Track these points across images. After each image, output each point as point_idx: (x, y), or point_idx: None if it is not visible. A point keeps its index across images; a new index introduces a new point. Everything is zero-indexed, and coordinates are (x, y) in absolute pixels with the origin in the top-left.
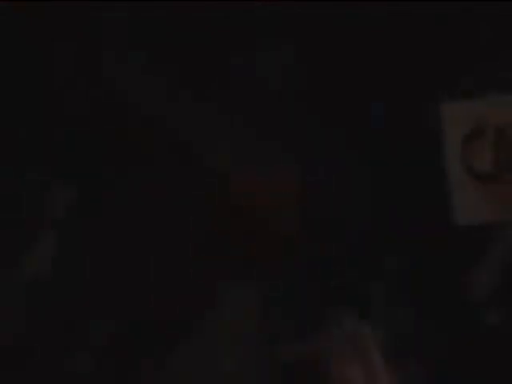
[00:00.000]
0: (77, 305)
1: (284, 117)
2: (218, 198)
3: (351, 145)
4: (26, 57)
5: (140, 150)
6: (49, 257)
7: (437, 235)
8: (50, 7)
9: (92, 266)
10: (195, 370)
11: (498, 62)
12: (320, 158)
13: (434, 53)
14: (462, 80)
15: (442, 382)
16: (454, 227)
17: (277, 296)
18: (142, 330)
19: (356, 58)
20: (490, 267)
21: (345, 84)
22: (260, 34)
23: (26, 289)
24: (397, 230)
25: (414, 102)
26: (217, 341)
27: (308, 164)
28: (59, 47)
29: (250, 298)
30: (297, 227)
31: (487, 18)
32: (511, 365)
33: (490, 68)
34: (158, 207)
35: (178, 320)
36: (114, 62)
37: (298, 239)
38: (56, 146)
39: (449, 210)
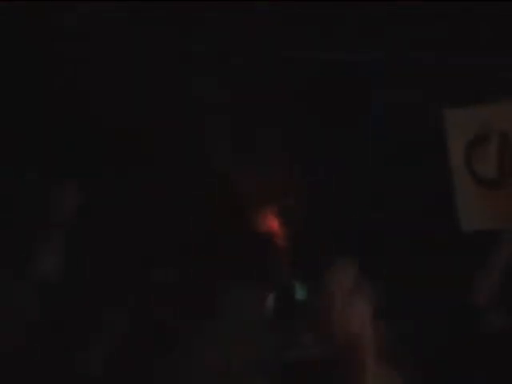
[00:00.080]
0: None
1: (284, 117)
2: (218, 198)
3: (355, 150)
4: (26, 57)
5: (140, 150)
6: (57, 258)
7: (441, 240)
8: (49, 7)
9: (93, 267)
10: (196, 370)
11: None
12: (320, 157)
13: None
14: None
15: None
16: (458, 233)
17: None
18: (144, 330)
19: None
20: (493, 272)
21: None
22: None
23: (36, 289)
24: (399, 235)
25: (419, 108)
26: (217, 340)
27: (308, 164)
28: (59, 47)
29: (250, 298)
30: (297, 227)
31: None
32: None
33: (493, 73)
34: (158, 207)
35: (178, 320)
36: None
37: (297, 239)
38: (61, 147)
39: (453, 216)
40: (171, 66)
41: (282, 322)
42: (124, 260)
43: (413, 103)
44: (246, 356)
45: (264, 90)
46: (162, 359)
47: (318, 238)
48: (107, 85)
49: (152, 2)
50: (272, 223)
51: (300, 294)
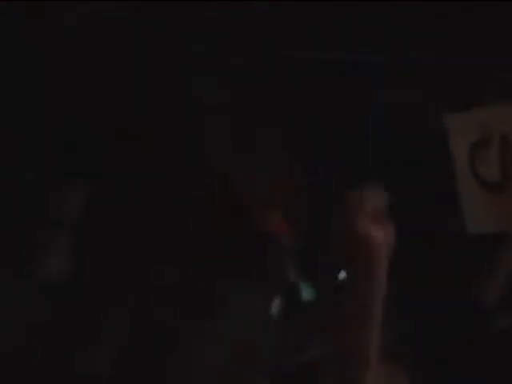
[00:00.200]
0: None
1: (284, 117)
2: (218, 198)
3: (355, 150)
4: (26, 57)
5: (140, 150)
6: (57, 258)
7: (441, 241)
8: (49, 7)
9: (92, 267)
10: (196, 370)
11: (500, 67)
12: (320, 157)
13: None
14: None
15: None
16: (460, 233)
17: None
18: (144, 330)
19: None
20: (497, 273)
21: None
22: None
23: (36, 289)
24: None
25: (419, 109)
26: (217, 340)
27: (308, 164)
28: (59, 47)
29: (250, 298)
30: (297, 226)
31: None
32: None
33: (493, 74)
34: (158, 207)
35: (178, 320)
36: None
37: (298, 239)
38: (60, 147)
39: (454, 216)
40: (171, 66)
41: (285, 323)
42: (124, 260)
43: (413, 103)
44: (246, 356)
45: (264, 90)
46: (162, 359)
47: (319, 238)
48: (107, 85)
49: (152, 2)
50: (272, 223)
51: (304, 294)
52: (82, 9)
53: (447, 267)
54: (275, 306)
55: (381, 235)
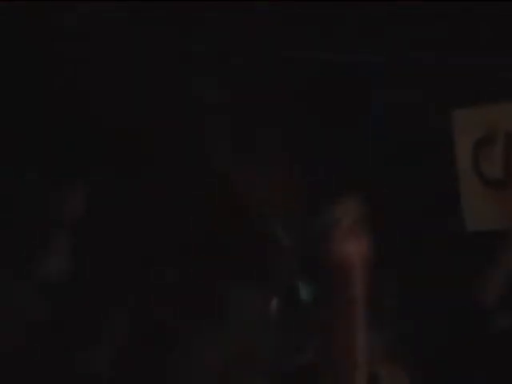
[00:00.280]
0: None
1: (284, 117)
2: (218, 197)
3: (355, 150)
4: (26, 57)
5: (140, 150)
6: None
7: (442, 241)
8: (49, 7)
9: (92, 267)
10: (196, 370)
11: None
12: (320, 157)
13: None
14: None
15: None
16: (462, 232)
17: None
18: (144, 330)
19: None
20: (498, 273)
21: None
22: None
23: (36, 289)
24: (399, 235)
25: (419, 108)
26: (217, 340)
27: (308, 164)
28: (59, 47)
29: (250, 298)
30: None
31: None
32: None
33: (493, 74)
34: (158, 207)
35: (178, 320)
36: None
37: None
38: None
39: (455, 216)
40: (171, 66)
41: (285, 322)
42: (124, 260)
43: (413, 103)
44: (246, 356)
45: (264, 90)
46: (162, 359)
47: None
48: (107, 85)
49: (152, 2)
50: (272, 222)
51: (304, 294)
52: (81, 9)
53: (447, 267)
54: (274, 305)
55: (355, 250)
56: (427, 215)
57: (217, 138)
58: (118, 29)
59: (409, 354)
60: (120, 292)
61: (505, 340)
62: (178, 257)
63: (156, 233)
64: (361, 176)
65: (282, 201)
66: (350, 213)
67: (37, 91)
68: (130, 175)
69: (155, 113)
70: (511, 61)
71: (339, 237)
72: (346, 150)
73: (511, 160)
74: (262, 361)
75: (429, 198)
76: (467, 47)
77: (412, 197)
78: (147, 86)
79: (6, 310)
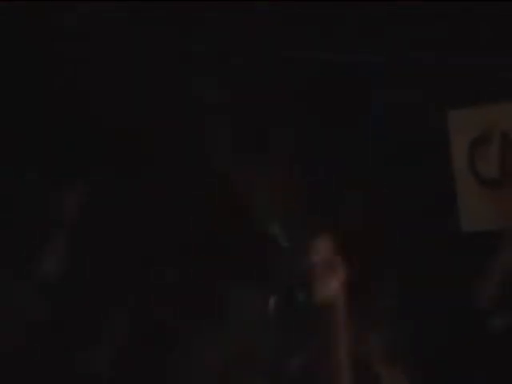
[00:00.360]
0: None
1: (284, 117)
2: (218, 198)
3: (355, 150)
4: (26, 57)
5: (140, 150)
6: (57, 258)
7: (442, 241)
8: (49, 7)
9: (93, 267)
10: (196, 370)
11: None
12: (320, 157)
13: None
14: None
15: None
16: (460, 233)
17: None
18: (144, 330)
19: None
20: (496, 272)
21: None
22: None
23: (36, 289)
24: (399, 235)
25: (419, 108)
26: (217, 340)
27: (308, 164)
28: (59, 47)
29: (250, 298)
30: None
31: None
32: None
33: (493, 74)
34: (159, 207)
35: (178, 320)
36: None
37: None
38: (60, 147)
39: (454, 216)
40: (171, 66)
41: (284, 323)
42: (124, 260)
43: (413, 103)
44: (246, 356)
45: (264, 90)
46: (161, 359)
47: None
48: (107, 85)
49: (152, 2)
50: (271, 222)
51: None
52: (81, 9)
53: (446, 267)
54: (272, 305)
55: (330, 288)
56: (427, 215)
57: (217, 138)
58: (118, 29)
59: (409, 354)
60: (120, 292)
61: (504, 340)
62: (178, 257)
63: (156, 233)
64: (361, 176)
65: (282, 201)
66: (323, 252)
67: (37, 91)
68: (129, 175)
69: (155, 113)
70: (511, 61)
71: (317, 276)
72: (346, 149)
73: (507, 160)
74: (262, 361)
75: (429, 197)
76: (467, 47)
77: (412, 197)
78: (147, 85)
79: (6, 309)
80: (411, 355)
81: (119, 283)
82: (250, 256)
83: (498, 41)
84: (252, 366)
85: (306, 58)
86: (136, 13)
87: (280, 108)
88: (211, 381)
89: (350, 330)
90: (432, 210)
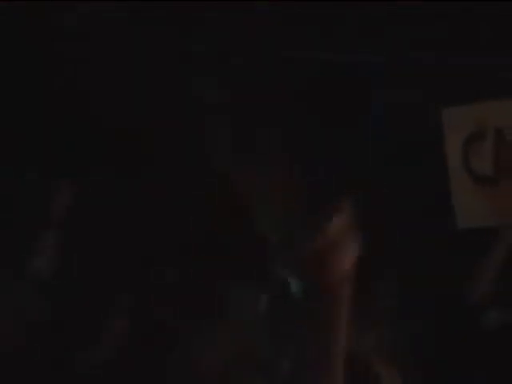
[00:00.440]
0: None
1: (284, 117)
2: (218, 197)
3: (355, 150)
4: (26, 57)
5: (140, 150)
6: (52, 256)
7: (436, 238)
8: (49, 7)
9: (92, 267)
10: (195, 370)
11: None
12: (320, 157)
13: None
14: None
15: (441, 381)
16: (454, 230)
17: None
18: (144, 330)
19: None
20: (491, 269)
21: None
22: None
23: (34, 289)
24: (399, 235)
25: (419, 108)
26: (217, 340)
27: (308, 164)
28: (59, 47)
29: (249, 298)
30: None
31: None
32: (510, 365)
33: (493, 74)
34: (158, 207)
35: (179, 320)
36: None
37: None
38: (56, 146)
39: (449, 213)
40: (171, 65)
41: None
42: (124, 260)
43: (413, 103)
44: (246, 356)
45: (264, 90)
46: (161, 359)
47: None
48: (107, 85)
49: (152, 2)
50: (271, 222)
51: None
52: (81, 9)
53: (439, 265)
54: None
55: (345, 256)
56: (428, 215)
57: (217, 138)
58: (118, 29)
59: (408, 353)
60: (120, 292)
61: (497, 337)
62: (177, 257)
63: (156, 233)
64: (361, 176)
65: (282, 201)
66: (339, 220)
67: (37, 91)
68: (130, 175)
69: (155, 113)
70: (509, 60)
71: (328, 241)
72: (346, 149)
73: (501, 156)
74: (263, 361)
75: (428, 197)
76: (467, 47)
77: (412, 197)
78: (147, 85)
79: (4, 309)
80: (410, 354)
81: (118, 283)
82: (250, 256)
83: (498, 41)
84: (251, 366)
85: (306, 57)
86: (136, 13)
87: (280, 108)
88: (211, 381)
89: (349, 328)
90: (432, 210)
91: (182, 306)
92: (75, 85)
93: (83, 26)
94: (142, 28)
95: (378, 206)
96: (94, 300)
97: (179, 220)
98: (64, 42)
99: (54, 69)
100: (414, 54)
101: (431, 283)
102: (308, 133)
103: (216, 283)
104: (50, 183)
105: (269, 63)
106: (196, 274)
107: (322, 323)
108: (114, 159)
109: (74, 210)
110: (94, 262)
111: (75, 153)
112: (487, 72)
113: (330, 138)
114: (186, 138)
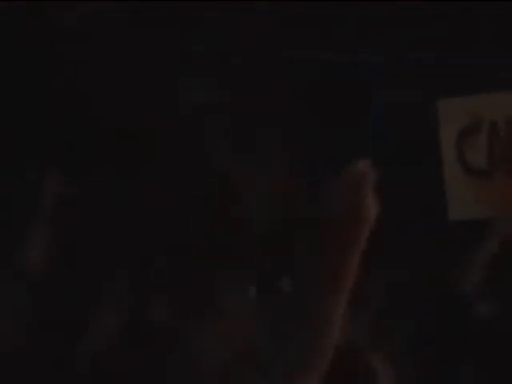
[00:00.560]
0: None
1: (284, 117)
2: (218, 197)
3: (355, 150)
4: (26, 57)
5: (140, 150)
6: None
7: (429, 230)
8: (49, 7)
9: (92, 267)
10: (195, 369)
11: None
12: (320, 157)
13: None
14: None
15: (432, 374)
16: (447, 222)
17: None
18: (142, 330)
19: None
20: (480, 261)
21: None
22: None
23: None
24: (399, 235)
25: (419, 108)
26: (217, 340)
27: (308, 164)
28: (59, 47)
29: (250, 298)
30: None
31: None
32: (500, 355)
33: (493, 74)
34: (158, 207)
35: (178, 320)
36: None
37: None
38: (60, 147)
39: (442, 205)
40: (171, 65)
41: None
42: (123, 260)
43: (413, 103)
44: (246, 356)
45: (264, 90)
46: (161, 359)
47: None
48: (107, 85)
49: (152, 2)
50: (272, 223)
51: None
52: (81, 9)
53: (428, 256)
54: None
55: (374, 208)
56: (427, 215)
57: (217, 138)
58: (118, 29)
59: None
60: (119, 292)
61: (485, 329)
62: (177, 257)
63: (156, 233)
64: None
65: (282, 201)
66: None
67: (37, 91)
68: (129, 175)
69: (155, 113)
70: (511, 61)
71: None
72: (346, 149)
73: (495, 149)
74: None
75: (429, 197)
76: (467, 47)
77: (411, 197)
78: (147, 85)
79: None
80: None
81: (118, 283)
82: (250, 256)
83: (498, 41)
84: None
85: (306, 57)
86: (136, 13)
87: (280, 108)
88: (211, 380)
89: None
90: (430, 210)
91: (182, 305)
92: (75, 85)
93: (83, 26)
94: (142, 28)
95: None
96: (92, 299)
97: (179, 220)
98: (64, 42)
99: (53, 69)
100: (414, 54)
101: (421, 276)
102: (308, 133)
103: (215, 283)
104: (42, 177)
105: (269, 63)
106: (196, 274)
107: (315, 320)
108: (115, 160)
109: (74, 209)
110: (93, 261)
111: (75, 153)
112: (487, 72)
113: (330, 137)
114: (185, 137)
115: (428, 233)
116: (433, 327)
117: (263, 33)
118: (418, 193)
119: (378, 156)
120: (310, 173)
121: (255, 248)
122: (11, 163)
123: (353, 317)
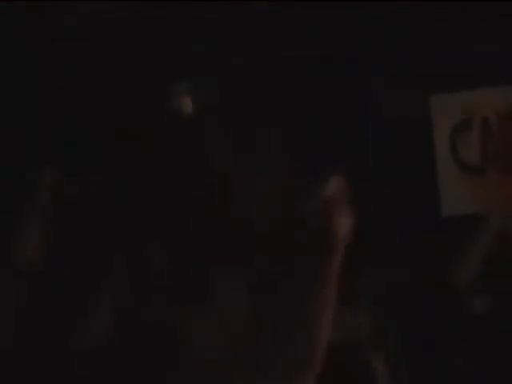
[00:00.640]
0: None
1: (284, 117)
2: (218, 197)
3: (355, 150)
4: (26, 57)
5: (140, 150)
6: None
7: (423, 225)
8: (49, 7)
9: (91, 266)
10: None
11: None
12: (320, 157)
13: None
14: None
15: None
16: (440, 217)
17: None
18: (140, 329)
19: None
20: (474, 256)
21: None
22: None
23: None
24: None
25: (419, 108)
26: (216, 341)
27: (308, 164)
28: (59, 47)
29: (249, 298)
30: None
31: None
32: (495, 349)
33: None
34: (158, 207)
35: (177, 320)
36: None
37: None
38: (60, 147)
39: (435, 201)
40: (171, 65)
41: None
42: (123, 260)
43: (413, 103)
44: (245, 355)
45: (264, 90)
46: (160, 359)
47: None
48: (107, 85)
49: (152, 2)
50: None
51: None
52: (81, 9)
53: (422, 250)
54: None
55: (342, 225)
56: (414, 205)
57: (217, 138)
58: (118, 29)
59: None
60: (118, 292)
61: (480, 323)
62: (177, 257)
63: (155, 233)
64: (361, 176)
65: (282, 201)
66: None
67: (36, 91)
68: (129, 175)
69: (155, 113)
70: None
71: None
72: (346, 149)
73: (488, 145)
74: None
75: (429, 197)
76: (467, 48)
77: (411, 196)
78: (147, 85)
79: None
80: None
81: (117, 283)
82: (250, 256)
83: (498, 41)
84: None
85: (306, 58)
86: (136, 13)
87: (280, 108)
88: (210, 380)
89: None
90: (430, 210)
91: (182, 306)
92: (75, 85)
93: (83, 26)
94: (142, 28)
95: (378, 206)
96: (92, 298)
97: (179, 220)
98: (64, 42)
99: (53, 69)
100: (414, 54)
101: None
102: (308, 133)
103: (215, 283)
104: (50, 183)
105: (269, 63)
106: (196, 275)
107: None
108: (115, 160)
109: (74, 209)
110: (93, 261)
111: (75, 153)
112: (487, 72)
113: (330, 137)
114: (185, 138)
115: (422, 230)
116: (432, 326)
117: (263, 33)
118: (413, 191)
119: (377, 156)
120: (310, 173)
121: (255, 248)
122: (11, 163)
123: (352, 317)
